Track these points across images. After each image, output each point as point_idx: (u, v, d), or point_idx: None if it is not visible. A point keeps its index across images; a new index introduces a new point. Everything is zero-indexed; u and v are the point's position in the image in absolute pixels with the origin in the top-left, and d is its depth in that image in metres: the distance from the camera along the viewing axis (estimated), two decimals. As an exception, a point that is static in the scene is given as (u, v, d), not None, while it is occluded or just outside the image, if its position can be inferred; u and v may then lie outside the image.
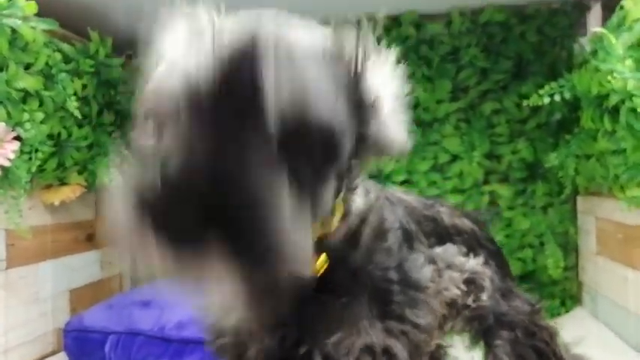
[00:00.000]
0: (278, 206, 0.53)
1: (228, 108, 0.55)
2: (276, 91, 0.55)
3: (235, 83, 0.56)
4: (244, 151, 0.53)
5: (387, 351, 0.80)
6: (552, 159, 2.17)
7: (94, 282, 2.57)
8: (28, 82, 1.82)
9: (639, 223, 1.82)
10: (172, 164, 0.52)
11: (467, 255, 1.05)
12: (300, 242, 0.55)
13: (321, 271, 0.75)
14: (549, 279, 2.36)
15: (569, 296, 2.40)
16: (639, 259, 1.83)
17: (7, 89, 1.76)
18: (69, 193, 2.24)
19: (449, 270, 0.96)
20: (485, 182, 2.43)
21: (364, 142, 0.67)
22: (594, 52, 1.71)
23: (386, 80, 0.69)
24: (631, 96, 1.49)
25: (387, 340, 0.80)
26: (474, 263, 1.04)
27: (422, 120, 2.44)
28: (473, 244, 1.11)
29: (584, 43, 2.29)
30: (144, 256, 0.52)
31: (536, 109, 2.40)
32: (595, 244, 2.21)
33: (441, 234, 1.06)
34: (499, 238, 2.36)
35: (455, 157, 2.43)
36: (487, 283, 1.05)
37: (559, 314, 2.34)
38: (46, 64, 1.89)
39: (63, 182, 2.25)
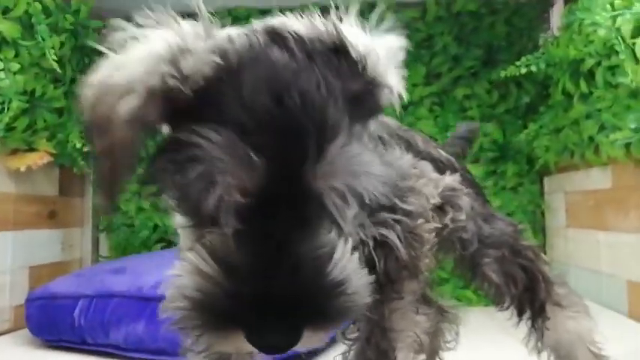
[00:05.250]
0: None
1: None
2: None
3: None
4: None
5: (381, 242, 0.81)
6: (522, 137, 2.27)
7: (55, 262, 2.42)
8: (5, 26, 1.75)
9: (609, 186, 1.92)
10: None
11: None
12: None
13: None
14: (520, 257, 2.43)
15: (537, 275, 2.46)
16: (610, 220, 1.92)
17: (-18, 30, 1.69)
18: (36, 159, 2.13)
19: (423, 180, 0.93)
20: (459, 162, 2.50)
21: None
22: (569, 24, 1.83)
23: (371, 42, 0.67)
24: (609, 53, 1.59)
25: (379, 232, 0.80)
26: (451, 180, 1.01)
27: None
28: (449, 171, 1.06)
29: (548, 36, 2.45)
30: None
31: (504, 95, 2.53)
32: (564, 218, 2.31)
33: (415, 155, 1.00)
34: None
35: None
36: (464, 203, 1.03)
37: (529, 291, 2.39)
38: (26, 12, 1.82)
39: (30, 148, 2.14)
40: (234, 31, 0.62)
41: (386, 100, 0.66)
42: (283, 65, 0.57)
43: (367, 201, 0.62)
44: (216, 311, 0.55)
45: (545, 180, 2.50)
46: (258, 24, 0.64)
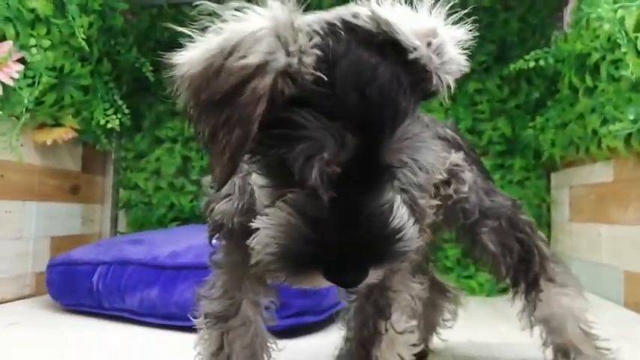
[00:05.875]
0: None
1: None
2: None
3: None
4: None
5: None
6: (530, 131, 2.33)
7: (75, 235, 2.53)
8: (39, 4, 1.85)
9: (611, 180, 1.97)
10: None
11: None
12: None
13: None
14: (524, 249, 2.48)
15: (540, 268, 2.52)
16: (613, 213, 1.97)
17: (18, 6, 1.79)
18: (62, 133, 2.24)
19: None
20: (467, 154, 2.56)
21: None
22: (578, 20, 1.88)
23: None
24: (613, 47, 1.64)
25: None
26: (456, 157, 1.12)
27: (410, 94, 2.57)
28: (454, 149, 1.17)
29: (560, 33, 2.50)
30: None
31: (515, 91, 2.58)
32: (568, 212, 2.35)
33: None
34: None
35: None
36: (467, 177, 1.13)
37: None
38: (58, -9, 1.93)
39: (57, 123, 2.25)
40: (313, 20, 0.71)
41: (439, 84, 0.73)
42: (365, 62, 0.68)
43: (427, 170, 0.75)
44: (299, 254, 0.68)
45: (552, 175, 2.55)
46: (330, 15, 0.72)
